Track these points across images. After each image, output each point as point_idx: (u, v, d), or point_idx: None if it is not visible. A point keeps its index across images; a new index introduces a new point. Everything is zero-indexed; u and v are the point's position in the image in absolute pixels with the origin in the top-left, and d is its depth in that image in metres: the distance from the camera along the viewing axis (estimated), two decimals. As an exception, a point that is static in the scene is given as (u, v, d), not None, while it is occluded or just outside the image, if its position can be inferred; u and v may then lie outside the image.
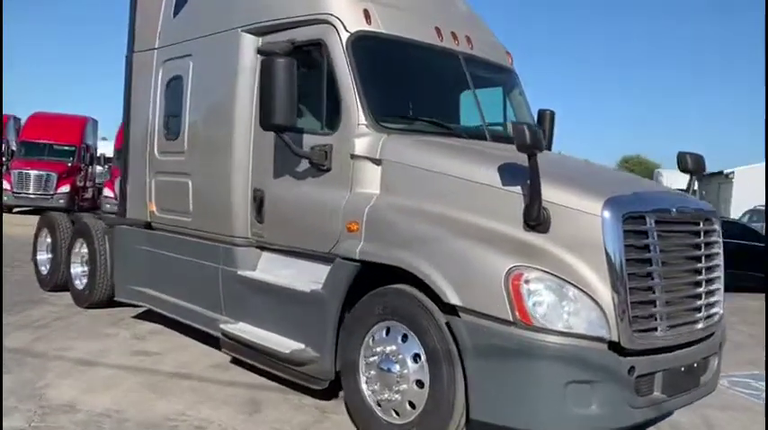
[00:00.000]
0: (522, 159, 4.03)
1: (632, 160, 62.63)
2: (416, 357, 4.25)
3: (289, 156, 5.14)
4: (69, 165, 22.41)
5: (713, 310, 4.56)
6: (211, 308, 5.98)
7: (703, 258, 4.46)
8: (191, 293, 6.32)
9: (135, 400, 5.04)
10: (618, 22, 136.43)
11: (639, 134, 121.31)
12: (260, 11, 5.61)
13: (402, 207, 4.54)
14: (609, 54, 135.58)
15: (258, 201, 5.52)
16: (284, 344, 5.09)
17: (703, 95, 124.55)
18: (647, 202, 4.22)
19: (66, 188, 21.74)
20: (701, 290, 4.42)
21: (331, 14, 5.02)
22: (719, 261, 4.63)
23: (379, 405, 4.45)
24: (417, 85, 5.59)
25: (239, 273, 5.66)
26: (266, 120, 4.84)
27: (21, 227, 12.38)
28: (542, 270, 3.85)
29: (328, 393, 5.14)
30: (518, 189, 4.12)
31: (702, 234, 4.49)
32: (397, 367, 4.32)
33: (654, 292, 4.07)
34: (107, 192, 19.89)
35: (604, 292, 3.85)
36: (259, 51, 5.30)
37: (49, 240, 9.09)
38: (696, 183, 5.36)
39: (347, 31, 4.97)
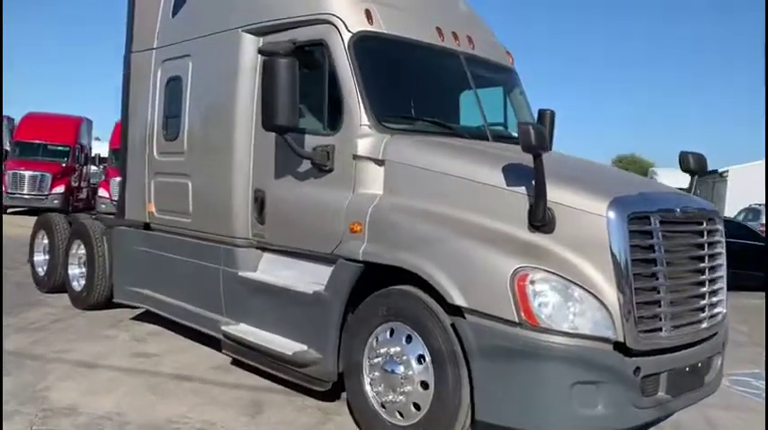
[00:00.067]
0: (526, 159, 4.02)
1: (626, 159, 62.75)
2: (421, 358, 4.23)
3: (290, 157, 5.12)
4: (64, 165, 22.28)
5: (716, 310, 4.56)
6: (212, 309, 5.95)
7: (707, 258, 4.46)
8: (191, 294, 6.29)
9: (136, 403, 5.01)
10: (609, 21, 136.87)
11: (633, 133, 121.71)
12: (260, 11, 5.59)
13: (405, 207, 4.53)
14: (602, 53, 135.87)
15: (259, 202, 5.50)
16: (287, 346, 5.07)
17: (697, 95, 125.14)
18: (652, 202, 4.22)
19: (60, 188, 21.62)
20: (704, 289, 4.42)
21: (333, 15, 5.01)
22: (722, 260, 4.64)
23: (384, 406, 4.43)
24: (419, 86, 5.58)
25: (240, 274, 5.64)
26: (268, 120, 4.82)
27: (21, 228, 12.28)
28: (548, 270, 3.85)
29: (331, 395, 5.12)
30: (523, 189, 4.11)
31: (706, 234, 4.50)
32: (402, 368, 4.30)
33: (659, 293, 4.07)
34: (102, 192, 19.88)
35: (610, 293, 3.85)
36: (260, 51, 5.27)
37: (46, 241, 9.03)
38: (690, 181, 5.36)
39: (349, 31, 4.95)
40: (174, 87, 6.52)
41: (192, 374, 5.79)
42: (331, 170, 4.94)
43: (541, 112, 6.54)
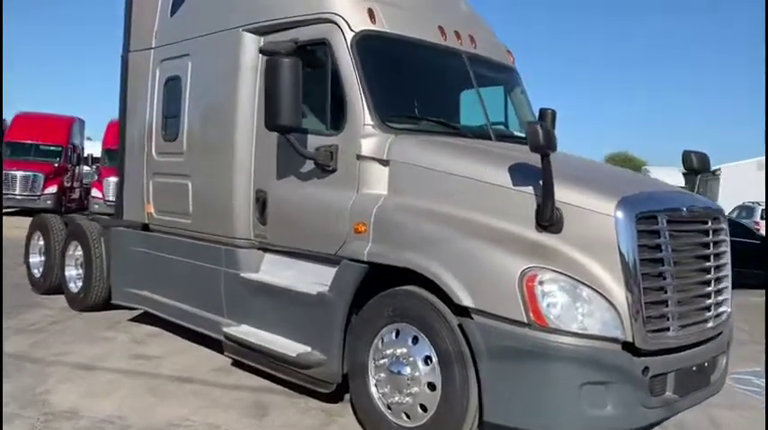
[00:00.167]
0: (531, 159, 4.00)
1: (619, 157, 62.95)
2: (428, 359, 4.21)
3: (293, 157, 5.08)
4: (56, 165, 22.11)
5: (722, 309, 4.55)
6: (213, 310, 5.91)
7: (712, 257, 4.45)
8: (191, 295, 6.24)
9: (137, 405, 4.96)
10: (603, 20, 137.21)
11: (625, 131, 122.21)
12: (261, 10, 5.55)
13: (411, 208, 4.50)
14: (597, 52, 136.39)
15: (261, 203, 5.46)
16: (290, 347, 5.03)
17: (689, 94, 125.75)
18: (659, 202, 4.22)
19: (53, 189, 21.45)
20: (710, 289, 4.41)
21: (335, 14, 4.97)
22: (727, 259, 4.63)
23: (390, 408, 4.40)
24: (422, 85, 5.55)
25: (242, 274, 5.59)
26: (271, 120, 4.78)
27: (15, 229, 12.16)
28: (556, 271, 3.83)
29: (334, 396, 5.09)
30: (530, 189, 4.09)
31: (711, 233, 4.49)
32: (408, 369, 4.27)
33: (666, 292, 4.06)
34: (95, 192, 19.80)
35: (618, 293, 3.83)
36: (261, 51, 5.21)
37: (41, 243, 8.96)
38: (684, 179, 5.38)
39: (352, 30, 4.92)
40: (172, 87, 6.46)
41: (193, 376, 5.75)
42: (334, 170, 4.90)
43: (543, 112, 6.54)
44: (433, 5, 5.81)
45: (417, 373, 4.24)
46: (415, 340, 4.29)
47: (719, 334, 4.54)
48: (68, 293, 8.18)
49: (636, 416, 3.89)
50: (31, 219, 9.69)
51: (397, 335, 4.40)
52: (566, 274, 3.82)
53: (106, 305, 7.66)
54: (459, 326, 4.04)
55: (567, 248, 3.94)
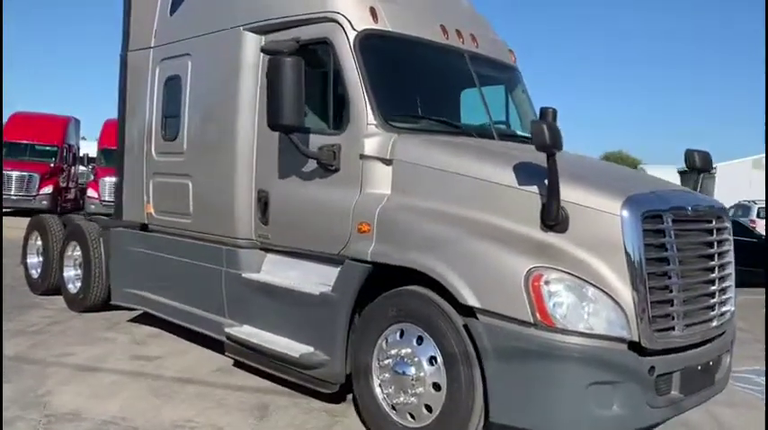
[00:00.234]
0: (536, 158, 4.00)
1: (614, 156, 63.06)
2: (433, 360, 4.19)
3: (295, 157, 5.06)
4: (52, 165, 22.06)
5: (726, 308, 4.55)
6: (214, 311, 5.88)
7: (716, 256, 4.46)
8: (192, 296, 6.21)
9: (140, 407, 4.94)
10: (603, 20, 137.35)
11: (619, 130, 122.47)
12: (262, 9, 5.53)
13: (415, 207, 4.48)
14: (594, 51, 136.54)
15: (263, 203, 5.43)
16: (293, 348, 5.01)
17: (684, 93, 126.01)
18: (665, 201, 4.20)
19: (48, 189, 21.40)
20: (714, 288, 4.41)
21: (337, 13, 4.95)
22: (731, 258, 4.64)
23: (394, 408, 4.38)
24: (424, 84, 5.54)
25: (244, 275, 5.57)
26: (273, 120, 4.76)
27: (12, 229, 12.08)
28: (562, 270, 3.81)
29: (337, 396, 5.07)
30: (535, 188, 4.08)
31: (715, 232, 4.50)
32: (413, 370, 4.26)
33: (671, 291, 4.05)
34: (91, 192, 19.71)
35: (624, 292, 3.83)
36: (263, 50, 5.17)
37: (39, 243, 8.93)
38: (681, 178, 5.38)
39: (354, 29, 4.90)
40: (172, 86, 6.43)
41: (195, 377, 5.73)
42: (337, 170, 4.88)
43: (543, 111, 6.48)
44: (434, 4, 5.80)
45: (422, 374, 4.22)
46: (420, 340, 4.27)
47: (723, 333, 4.54)
48: (67, 294, 8.15)
49: (642, 415, 3.89)
50: (26, 219, 9.65)
51: (401, 336, 4.39)
52: (572, 274, 3.81)
53: (105, 306, 7.63)
54: (465, 326, 4.03)
55: (572, 248, 3.93)
